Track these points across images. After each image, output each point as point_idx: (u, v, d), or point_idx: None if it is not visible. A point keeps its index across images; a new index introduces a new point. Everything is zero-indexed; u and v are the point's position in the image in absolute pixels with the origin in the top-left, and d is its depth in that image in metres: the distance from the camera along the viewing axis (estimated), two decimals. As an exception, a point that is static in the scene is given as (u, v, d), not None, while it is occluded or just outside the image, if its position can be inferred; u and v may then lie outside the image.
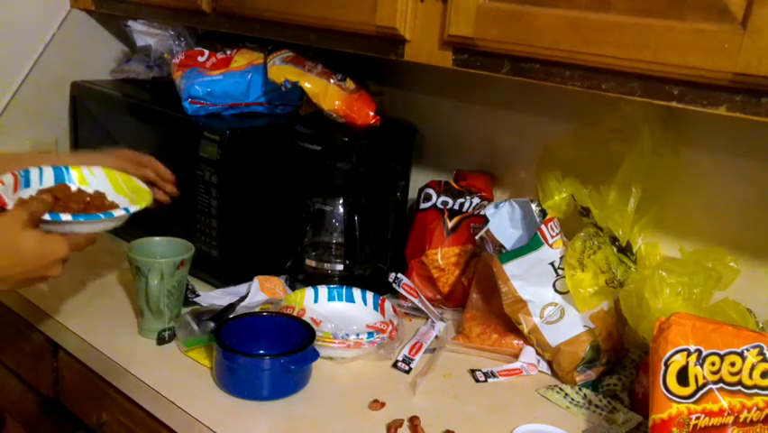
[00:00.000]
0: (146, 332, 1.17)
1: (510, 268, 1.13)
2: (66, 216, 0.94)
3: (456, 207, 1.37)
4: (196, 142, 1.30)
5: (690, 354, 0.90)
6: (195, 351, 1.13)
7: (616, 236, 1.17)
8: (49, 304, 1.25)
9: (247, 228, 1.35)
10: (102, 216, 0.97)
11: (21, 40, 1.59)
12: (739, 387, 0.90)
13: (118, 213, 0.99)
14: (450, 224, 1.35)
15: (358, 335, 1.14)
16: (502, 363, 1.19)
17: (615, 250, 1.15)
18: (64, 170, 1.08)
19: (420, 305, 1.30)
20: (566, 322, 1.14)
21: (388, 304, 1.27)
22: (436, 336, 1.24)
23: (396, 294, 1.31)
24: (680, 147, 1.17)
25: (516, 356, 1.19)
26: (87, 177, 1.09)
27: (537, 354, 1.19)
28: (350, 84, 1.34)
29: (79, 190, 1.06)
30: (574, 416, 1.06)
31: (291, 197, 1.38)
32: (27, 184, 1.03)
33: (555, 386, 1.13)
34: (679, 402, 0.90)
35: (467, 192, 1.38)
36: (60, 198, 1.01)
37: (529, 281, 1.14)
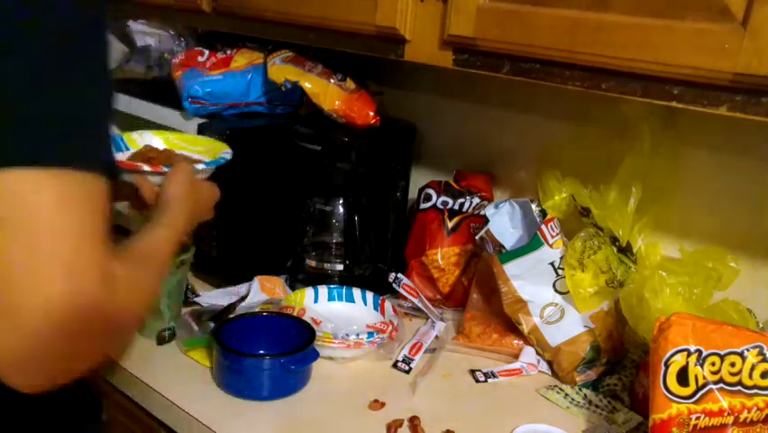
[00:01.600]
0: (146, 332, 1.17)
1: (510, 268, 1.13)
2: (201, 166, 1.01)
3: (456, 207, 1.37)
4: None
5: (690, 354, 0.90)
6: (195, 351, 1.13)
7: (616, 236, 1.17)
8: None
9: (247, 228, 1.35)
10: (223, 159, 1.04)
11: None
12: (739, 387, 0.90)
13: (226, 155, 1.05)
14: (450, 224, 1.35)
15: (358, 335, 1.14)
16: (502, 363, 1.19)
17: (615, 250, 1.15)
18: (118, 138, 1.10)
19: (420, 305, 1.30)
20: (566, 322, 1.14)
21: (388, 304, 1.27)
22: (436, 336, 1.24)
23: (396, 294, 1.31)
24: (680, 147, 1.17)
25: (516, 356, 1.19)
26: (137, 140, 1.11)
27: (537, 354, 1.19)
28: (350, 84, 1.34)
29: (163, 149, 1.10)
30: (574, 416, 1.06)
31: (291, 197, 1.38)
32: None
33: (555, 386, 1.12)
34: (679, 402, 0.90)
35: (467, 192, 1.38)
36: (155, 157, 1.06)
37: (529, 281, 1.14)
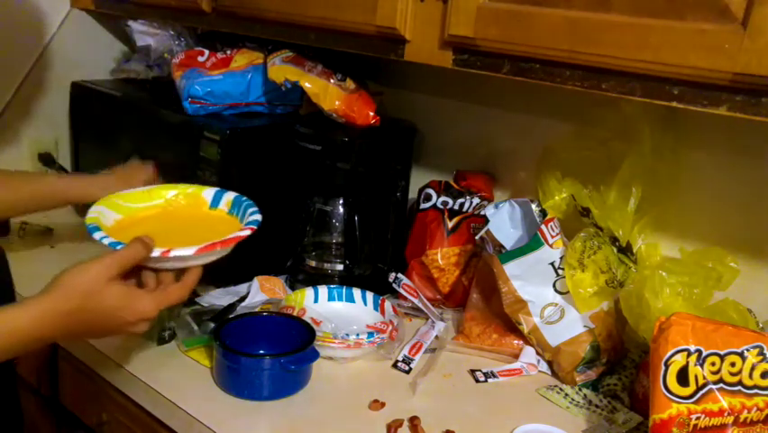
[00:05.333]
0: (146, 332, 1.16)
1: (510, 268, 1.13)
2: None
3: (456, 207, 1.37)
4: (196, 142, 1.30)
5: (690, 354, 0.90)
6: (195, 351, 1.13)
7: (616, 236, 1.17)
8: (49, 304, 1.24)
9: (247, 228, 1.35)
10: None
11: (21, 40, 1.59)
12: (739, 387, 0.90)
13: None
14: (450, 224, 1.35)
15: (358, 335, 1.14)
16: (502, 363, 1.19)
17: (615, 250, 1.15)
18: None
19: (420, 305, 1.30)
20: (566, 322, 1.14)
21: (388, 304, 1.27)
22: (436, 336, 1.24)
23: (396, 294, 1.31)
24: (680, 147, 1.17)
25: (516, 356, 1.19)
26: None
27: (537, 354, 1.19)
28: (350, 84, 1.34)
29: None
30: (574, 416, 1.06)
31: (291, 197, 1.38)
32: None
33: (555, 386, 1.12)
34: (679, 402, 0.90)
35: (467, 192, 1.38)
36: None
37: (529, 281, 1.14)
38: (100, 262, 0.83)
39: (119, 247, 0.86)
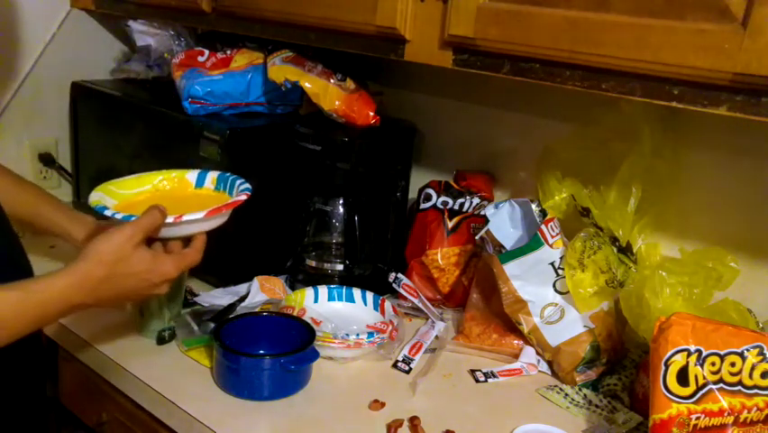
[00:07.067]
0: (146, 332, 1.17)
1: (510, 268, 1.13)
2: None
3: (456, 207, 1.37)
4: (196, 142, 1.30)
5: (690, 354, 0.90)
6: (195, 351, 1.13)
7: (616, 236, 1.17)
8: (49, 304, 1.24)
9: (247, 228, 1.35)
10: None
11: (21, 40, 1.59)
12: (739, 387, 0.90)
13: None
14: (450, 224, 1.35)
15: (358, 335, 1.14)
16: (502, 363, 1.19)
17: (615, 250, 1.15)
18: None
19: (420, 305, 1.30)
20: (566, 322, 1.14)
21: (388, 304, 1.27)
22: (436, 336, 1.24)
23: (396, 294, 1.31)
24: (680, 147, 1.17)
25: (516, 356, 1.19)
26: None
27: (537, 354, 1.19)
28: (350, 84, 1.34)
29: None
30: (574, 416, 1.06)
31: (291, 197, 1.38)
32: None
33: (555, 386, 1.12)
34: (679, 402, 0.90)
35: (467, 192, 1.38)
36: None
37: (529, 281, 1.14)
38: (124, 230, 0.89)
39: (133, 219, 0.92)
